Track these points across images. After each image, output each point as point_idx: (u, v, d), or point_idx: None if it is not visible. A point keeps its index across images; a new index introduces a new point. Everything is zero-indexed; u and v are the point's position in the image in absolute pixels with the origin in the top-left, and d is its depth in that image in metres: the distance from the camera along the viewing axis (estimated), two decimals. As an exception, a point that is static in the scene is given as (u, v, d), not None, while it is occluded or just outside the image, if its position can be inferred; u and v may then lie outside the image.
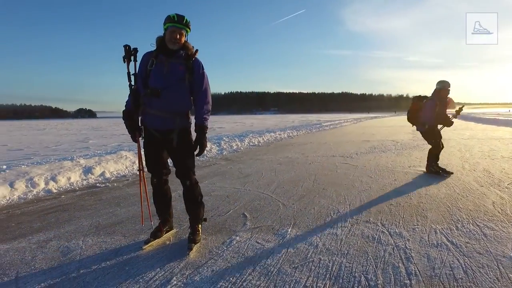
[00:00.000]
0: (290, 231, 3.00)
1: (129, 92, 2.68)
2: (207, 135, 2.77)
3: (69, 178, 5.24)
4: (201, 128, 2.69)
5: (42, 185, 4.87)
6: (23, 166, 5.48)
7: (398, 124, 24.16)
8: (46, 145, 12.16)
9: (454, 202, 3.78)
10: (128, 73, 2.63)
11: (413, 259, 2.39)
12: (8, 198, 4.35)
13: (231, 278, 2.18)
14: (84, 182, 5.29)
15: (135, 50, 2.63)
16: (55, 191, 4.80)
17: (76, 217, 3.55)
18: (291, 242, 2.75)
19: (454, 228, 2.96)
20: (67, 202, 4.19)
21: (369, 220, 3.24)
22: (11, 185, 4.61)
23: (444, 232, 2.87)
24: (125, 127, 2.73)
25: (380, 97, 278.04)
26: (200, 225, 2.83)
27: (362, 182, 4.92)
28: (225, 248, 2.66)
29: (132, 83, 2.67)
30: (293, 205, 3.80)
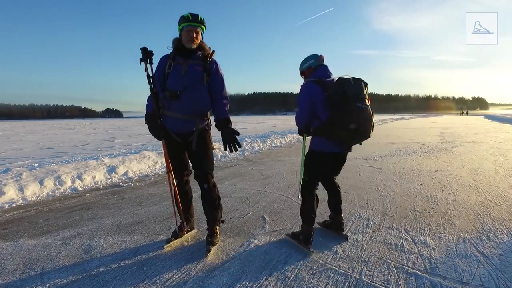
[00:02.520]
0: (310, 235, 2.93)
1: (149, 95, 2.70)
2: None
3: (94, 177, 5.40)
4: (224, 121, 2.64)
5: (69, 183, 5.05)
6: (52, 165, 5.71)
7: (426, 126, 23.34)
8: (75, 144, 12.65)
9: (486, 210, 3.57)
10: (148, 76, 2.66)
11: (438, 270, 2.27)
12: (38, 195, 4.55)
13: (247, 283, 2.15)
14: (108, 181, 5.43)
15: (151, 53, 2.65)
16: (80, 189, 4.96)
17: (99, 215, 3.64)
18: (310, 247, 2.69)
19: (486, 238, 2.79)
20: (91, 201, 4.31)
21: (392, 226, 3.12)
22: (41, 182, 4.82)
23: (473, 242, 2.71)
24: (148, 130, 2.74)
25: (407, 97, 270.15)
26: (218, 227, 2.82)
27: (385, 186, 4.75)
28: (242, 251, 2.64)
29: (152, 85, 2.67)
30: (313, 209, 3.71)
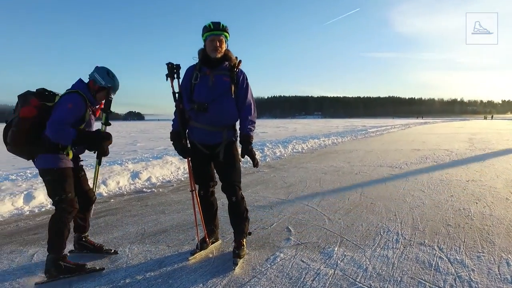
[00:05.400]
0: (337, 250, 2.83)
1: (175, 111, 2.68)
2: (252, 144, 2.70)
3: (118, 182, 5.48)
4: (245, 138, 2.63)
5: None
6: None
7: (452, 131, 22.54)
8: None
9: (526, 226, 3.34)
10: (173, 92, 2.64)
11: (480, 294, 2.12)
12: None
13: (275, 301, 2.08)
14: (132, 187, 5.51)
15: (178, 66, 2.63)
16: (105, 194, 5.04)
17: (123, 223, 3.67)
18: (338, 262, 2.59)
19: (530, 260, 2.59)
20: (115, 207, 4.37)
21: (424, 242, 2.96)
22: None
23: (517, 264, 2.52)
24: (173, 147, 2.73)
25: (431, 101, 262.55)
26: (245, 239, 2.77)
27: (413, 197, 4.57)
28: (268, 265, 2.57)
29: (177, 102, 2.66)
30: (339, 220, 3.61)
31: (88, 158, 4.45)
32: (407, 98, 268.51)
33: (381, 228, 3.36)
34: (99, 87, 2.58)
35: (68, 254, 2.57)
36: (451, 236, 3.09)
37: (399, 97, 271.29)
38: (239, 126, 2.73)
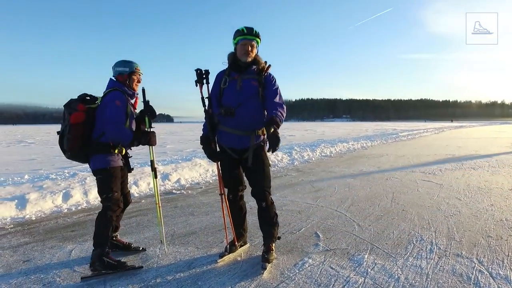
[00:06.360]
0: (367, 257, 2.75)
1: (204, 117, 2.72)
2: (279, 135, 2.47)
3: (148, 184, 5.65)
4: (271, 121, 2.46)
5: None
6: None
7: (491, 136, 21.32)
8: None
9: None
10: (202, 98, 2.69)
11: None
12: (99, 199, 4.83)
13: (303, 308, 2.06)
14: (162, 188, 5.65)
15: (207, 72, 2.67)
16: (136, 195, 5.21)
17: (153, 223, 3.78)
18: (368, 270, 2.52)
19: None
20: (146, 207, 4.50)
21: (461, 253, 2.81)
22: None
23: None
24: (203, 151, 2.77)
25: (467, 104, 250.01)
26: (274, 244, 2.76)
27: (449, 205, 4.36)
28: (297, 271, 2.54)
29: (207, 107, 2.69)
30: (369, 227, 3.51)
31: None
32: (440, 100, 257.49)
33: (413, 236, 3.24)
34: (127, 76, 2.75)
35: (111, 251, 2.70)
36: (493, 249, 2.91)
37: (432, 99, 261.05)
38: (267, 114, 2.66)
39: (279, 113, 2.54)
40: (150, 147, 2.87)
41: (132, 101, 2.82)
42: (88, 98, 2.71)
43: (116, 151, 2.69)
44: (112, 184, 2.66)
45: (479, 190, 5.21)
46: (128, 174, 2.99)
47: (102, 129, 2.63)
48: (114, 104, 2.59)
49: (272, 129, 2.42)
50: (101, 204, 2.70)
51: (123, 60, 2.78)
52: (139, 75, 2.81)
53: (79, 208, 4.51)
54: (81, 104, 2.62)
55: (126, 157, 2.89)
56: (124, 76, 2.75)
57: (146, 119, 2.81)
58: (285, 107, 2.65)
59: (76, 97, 2.68)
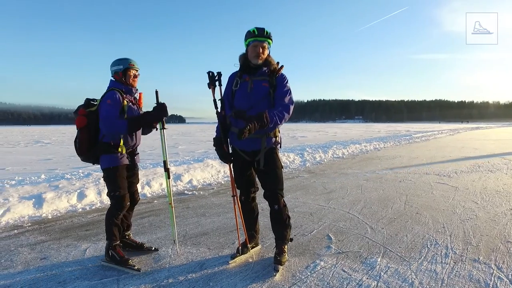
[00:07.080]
0: (380, 261, 2.71)
1: (217, 119, 2.72)
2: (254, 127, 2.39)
3: (161, 184, 5.71)
4: (257, 116, 2.39)
5: (139, 189, 5.41)
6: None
7: (509, 137, 20.75)
8: (143, 149, 13.61)
9: None
10: (214, 100, 2.70)
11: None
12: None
13: (315, 311, 2.04)
14: (174, 189, 5.70)
15: (219, 74, 2.67)
16: (149, 195, 5.27)
17: (166, 224, 3.81)
18: (381, 274, 2.48)
19: None
20: (158, 208, 4.55)
21: (478, 259, 2.74)
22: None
23: None
24: (216, 152, 2.79)
25: (484, 104, 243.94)
26: (286, 246, 2.75)
27: (465, 208, 4.25)
28: (308, 273, 2.52)
29: (219, 109, 2.69)
30: (382, 230, 3.46)
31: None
32: (456, 101, 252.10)
33: (428, 240, 3.17)
34: (122, 73, 2.81)
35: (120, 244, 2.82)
36: None
37: (447, 100, 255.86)
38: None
39: (278, 114, 2.49)
40: (164, 143, 2.89)
41: (132, 98, 2.89)
42: (91, 101, 2.81)
43: (120, 150, 2.75)
44: (117, 183, 2.74)
45: (497, 194, 5.07)
46: (140, 174, 3.04)
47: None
48: (105, 103, 2.68)
49: (251, 125, 2.34)
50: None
51: (118, 58, 2.86)
52: (135, 70, 2.87)
53: (93, 207, 4.59)
54: (82, 109, 2.74)
55: (132, 154, 2.94)
56: (120, 74, 2.82)
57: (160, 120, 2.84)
58: (291, 109, 2.60)
59: (83, 103, 2.80)
